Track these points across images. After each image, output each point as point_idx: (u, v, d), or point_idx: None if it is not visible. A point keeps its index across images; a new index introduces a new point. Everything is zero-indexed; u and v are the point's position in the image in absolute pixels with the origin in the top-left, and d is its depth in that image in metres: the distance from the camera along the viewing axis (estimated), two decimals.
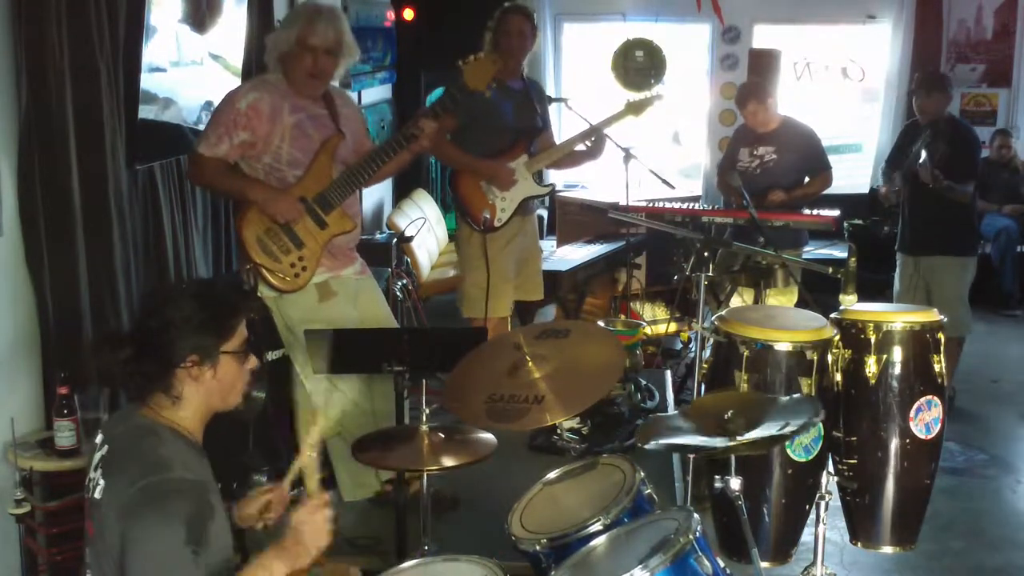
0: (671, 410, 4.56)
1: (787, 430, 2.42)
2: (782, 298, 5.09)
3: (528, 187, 4.60)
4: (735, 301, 5.13)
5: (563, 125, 8.85)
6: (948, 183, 4.94)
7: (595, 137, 4.61)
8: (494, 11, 4.64)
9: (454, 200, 4.71)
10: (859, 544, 3.20)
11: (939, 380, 3.09)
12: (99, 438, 2.13)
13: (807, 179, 5.40)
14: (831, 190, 5.50)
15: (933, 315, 3.13)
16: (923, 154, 4.97)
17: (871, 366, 3.04)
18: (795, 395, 2.87)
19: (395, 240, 5.84)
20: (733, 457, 2.52)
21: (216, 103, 3.62)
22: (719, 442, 2.43)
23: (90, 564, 2.08)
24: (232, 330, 2.12)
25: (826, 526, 2.85)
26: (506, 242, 4.63)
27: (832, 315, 3.20)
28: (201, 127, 3.89)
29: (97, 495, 2.01)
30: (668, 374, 5.07)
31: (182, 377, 2.06)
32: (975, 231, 5.58)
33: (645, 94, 4.76)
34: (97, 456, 2.09)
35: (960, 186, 5.02)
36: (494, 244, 4.53)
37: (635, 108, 4.63)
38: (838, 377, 3.11)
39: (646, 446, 2.50)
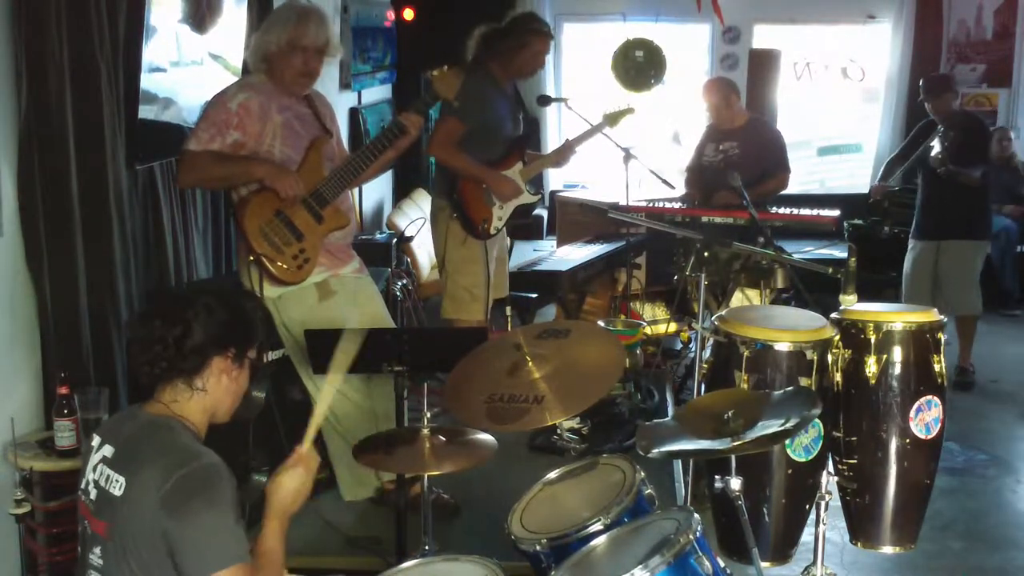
0: (671, 410, 4.56)
1: (789, 425, 2.42)
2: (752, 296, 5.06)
3: (522, 196, 4.66)
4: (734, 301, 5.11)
5: (563, 125, 8.88)
6: (955, 169, 5.26)
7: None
8: (497, 12, 4.65)
9: (453, 204, 4.59)
10: (859, 544, 3.20)
11: (939, 380, 3.09)
12: (96, 440, 2.13)
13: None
14: (831, 190, 5.53)
15: (933, 315, 3.13)
16: (935, 146, 5.28)
17: (871, 366, 3.04)
18: (788, 388, 2.87)
19: (395, 240, 5.84)
20: (733, 457, 2.52)
21: None
22: (723, 443, 2.43)
23: (98, 566, 2.06)
24: (253, 344, 2.21)
25: (826, 526, 2.84)
26: (498, 247, 4.76)
27: (832, 315, 3.19)
28: None
29: (117, 492, 2.01)
30: (668, 374, 5.08)
31: (215, 368, 2.11)
32: (989, 216, 5.87)
33: (619, 107, 4.86)
34: (96, 457, 2.08)
35: (968, 170, 5.32)
36: (492, 250, 4.62)
37: (612, 119, 4.78)
38: (838, 377, 3.11)
39: (648, 455, 2.50)
